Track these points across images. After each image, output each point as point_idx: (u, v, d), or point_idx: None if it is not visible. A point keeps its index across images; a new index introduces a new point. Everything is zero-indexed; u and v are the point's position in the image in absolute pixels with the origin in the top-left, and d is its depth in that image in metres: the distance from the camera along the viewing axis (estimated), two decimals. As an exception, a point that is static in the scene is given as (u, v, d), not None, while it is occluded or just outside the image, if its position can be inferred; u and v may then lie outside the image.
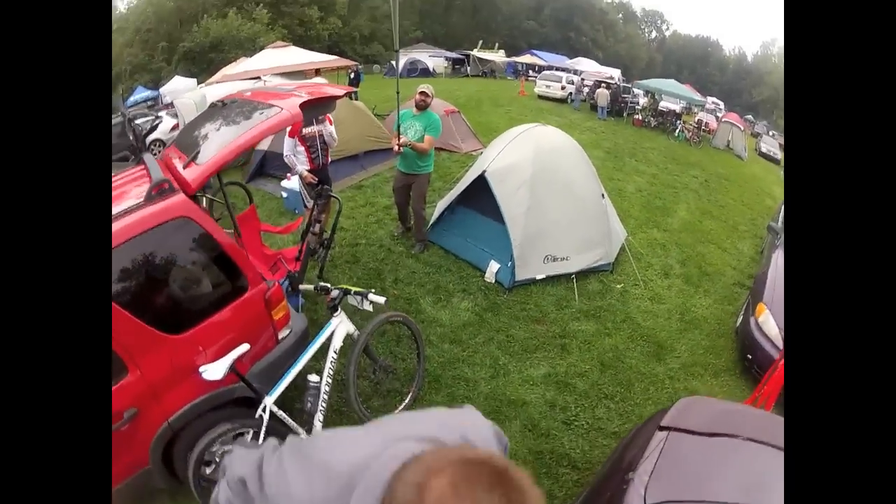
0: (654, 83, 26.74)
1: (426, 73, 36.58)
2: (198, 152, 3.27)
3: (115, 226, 2.53)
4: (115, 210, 2.65)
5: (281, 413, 3.06)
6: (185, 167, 3.17)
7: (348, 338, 3.52)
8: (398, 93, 5.98)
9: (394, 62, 36.53)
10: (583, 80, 29.30)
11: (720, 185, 14.01)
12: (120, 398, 2.55)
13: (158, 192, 2.74)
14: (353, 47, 46.45)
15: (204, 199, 4.68)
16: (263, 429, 2.93)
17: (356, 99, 14.31)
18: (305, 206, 5.97)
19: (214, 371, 2.70)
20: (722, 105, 43.51)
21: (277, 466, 1.26)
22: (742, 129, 25.88)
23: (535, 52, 49.38)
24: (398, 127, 5.94)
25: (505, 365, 4.67)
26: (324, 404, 3.24)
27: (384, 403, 4.03)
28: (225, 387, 2.96)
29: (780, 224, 7.32)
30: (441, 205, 6.94)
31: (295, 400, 3.51)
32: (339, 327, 3.44)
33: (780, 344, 4.50)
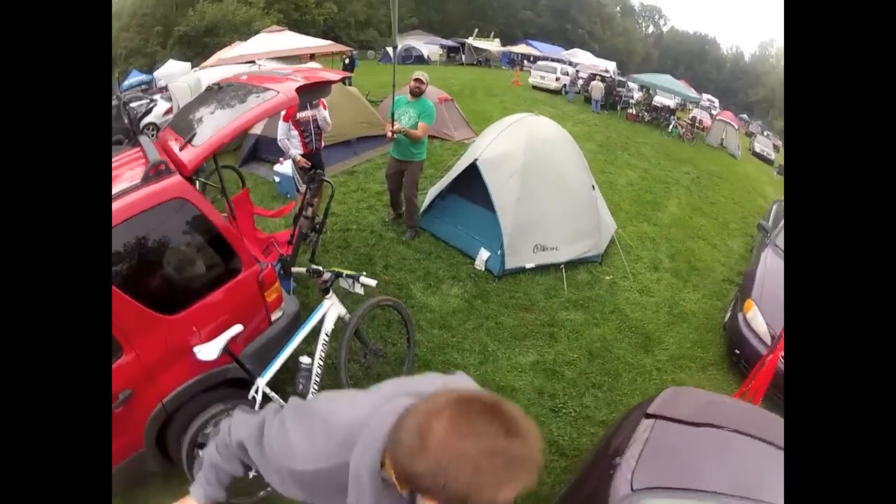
0: (649, 78, 26.73)
1: (421, 60, 36.36)
2: (194, 134, 3.25)
3: (113, 206, 2.51)
4: (113, 190, 2.64)
5: (273, 394, 3.09)
6: (181, 149, 3.17)
7: (340, 320, 3.55)
8: (394, 85, 5.97)
9: (388, 49, 36.48)
10: (578, 72, 29.35)
11: (712, 183, 14.08)
12: (114, 379, 2.54)
13: (155, 173, 2.73)
14: (348, 33, 46.05)
15: (197, 182, 4.68)
16: (256, 410, 2.95)
17: (350, 84, 14.25)
18: (298, 191, 5.99)
19: (208, 351, 2.71)
20: (717, 103, 43.69)
21: (280, 427, 1.29)
22: (736, 127, 26.02)
23: (530, 42, 49.16)
24: (392, 113, 5.94)
25: (494, 351, 4.72)
26: (315, 387, 3.27)
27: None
28: (218, 367, 2.97)
29: (770, 223, 7.40)
30: (432, 192, 6.97)
31: (287, 382, 3.54)
32: (331, 310, 3.47)
33: (768, 340, 4.58)
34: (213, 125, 3.33)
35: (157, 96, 15.13)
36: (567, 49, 47.38)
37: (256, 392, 3.03)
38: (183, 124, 3.72)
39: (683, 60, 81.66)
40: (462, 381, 1.38)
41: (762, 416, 2.99)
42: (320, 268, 3.55)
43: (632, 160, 13.77)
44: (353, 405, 1.28)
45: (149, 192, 2.67)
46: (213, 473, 1.47)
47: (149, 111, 13.34)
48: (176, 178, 2.79)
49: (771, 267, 5.60)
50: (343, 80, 6.46)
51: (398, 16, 5.00)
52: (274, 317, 3.41)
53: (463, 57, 42.80)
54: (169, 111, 13.01)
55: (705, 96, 41.76)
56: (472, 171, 6.00)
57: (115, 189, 2.67)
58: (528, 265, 5.96)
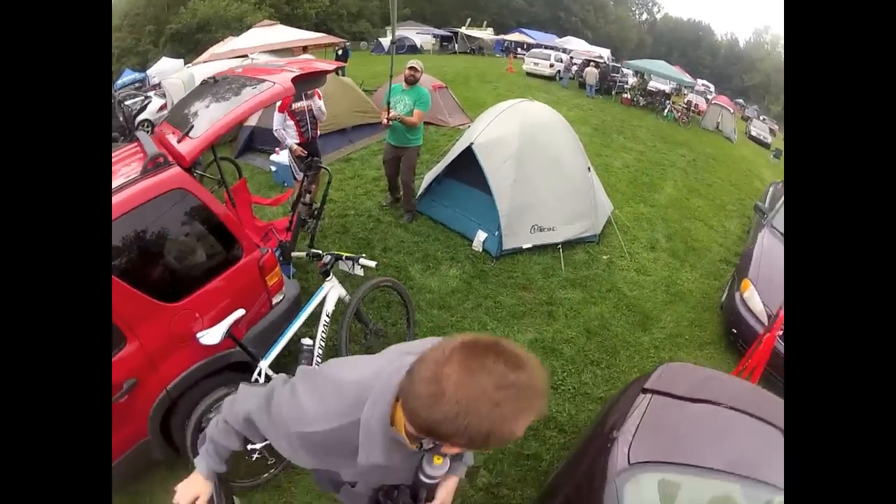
0: (643, 63, 26.76)
1: (414, 49, 36.19)
2: (191, 127, 3.27)
3: (114, 199, 2.54)
4: (113, 184, 2.66)
5: (276, 376, 3.13)
6: (179, 141, 3.19)
7: (340, 302, 3.60)
8: (391, 75, 5.99)
9: (381, 39, 36.23)
10: (571, 58, 29.23)
11: (708, 165, 14.09)
12: (119, 369, 2.57)
13: (154, 165, 2.76)
14: (340, 25, 45.92)
15: (195, 174, 4.70)
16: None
17: (344, 75, 14.24)
18: (295, 179, 6.01)
19: (212, 336, 2.74)
20: (712, 88, 43.56)
21: (290, 393, 1.32)
22: (732, 111, 26.00)
23: (523, 30, 48.99)
24: (388, 101, 5.97)
25: (493, 330, 4.77)
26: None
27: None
28: (221, 352, 3.01)
29: (767, 204, 7.43)
30: (429, 177, 7.01)
31: (289, 364, 3.58)
32: (331, 291, 3.52)
33: (765, 319, 4.60)
34: (210, 117, 3.35)
35: (151, 93, 15.11)
36: (560, 37, 47.30)
37: (259, 374, 3.09)
38: (179, 118, 3.74)
39: (677, 47, 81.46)
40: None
41: (759, 395, 2.99)
42: (319, 251, 3.58)
43: (627, 143, 13.78)
44: (361, 366, 1.33)
45: (148, 184, 2.69)
46: (212, 447, 1.52)
47: (143, 108, 13.35)
48: (175, 170, 2.82)
49: (768, 247, 5.63)
50: (337, 71, 6.47)
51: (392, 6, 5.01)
52: (275, 300, 3.45)
53: (456, 46, 42.65)
54: (163, 108, 13.00)
55: (700, 81, 41.58)
56: (468, 155, 6.03)
57: (116, 183, 2.69)
58: (526, 245, 6.01)
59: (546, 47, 33.79)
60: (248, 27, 21.80)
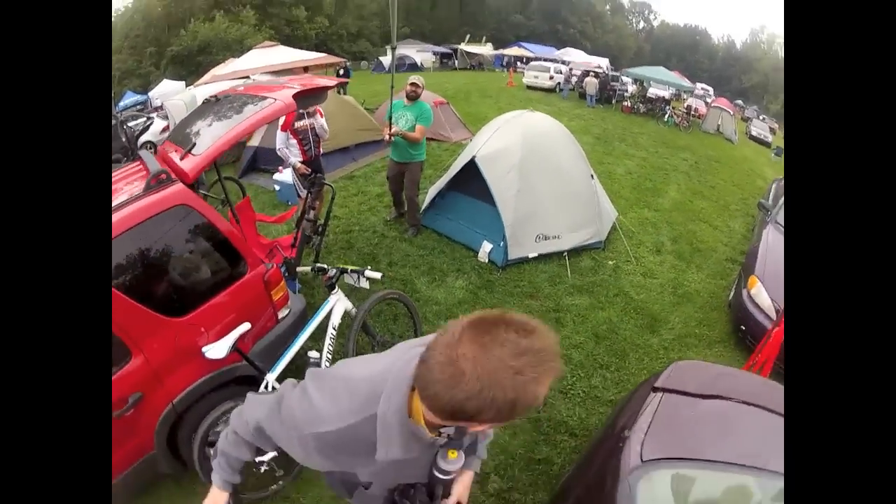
0: (642, 71, 26.82)
1: (414, 67, 36.49)
2: (194, 144, 3.30)
3: (117, 216, 2.56)
4: (115, 202, 2.69)
5: (283, 388, 3.13)
6: (181, 159, 3.22)
7: (346, 315, 3.59)
8: (392, 87, 6.04)
9: (381, 59, 36.52)
10: (571, 69, 29.43)
11: (710, 167, 14.08)
12: (125, 383, 2.57)
13: (157, 182, 2.79)
14: (340, 45, 46.50)
15: (198, 192, 4.74)
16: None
17: (345, 94, 14.35)
18: (299, 196, 6.04)
19: (217, 350, 2.74)
20: (711, 91, 43.68)
21: (301, 395, 1.31)
22: (732, 113, 26.03)
23: (522, 44, 49.44)
24: (390, 117, 6.01)
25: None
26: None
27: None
28: (227, 366, 3.01)
29: (770, 201, 7.42)
30: (432, 191, 7.02)
31: (296, 377, 3.58)
32: (337, 305, 3.51)
33: (773, 314, 4.60)
34: (213, 134, 3.37)
35: (153, 115, 15.21)
36: (559, 49, 47.65)
37: (266, 387, 3.09)
38: (182, 136, 3.77)
39: (675, 53, 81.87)
40: None
41: (771, 388, 2.94)
42: (325, 265, 3.60)
43: (629, 150, 13.81)
44: (371, 363, 1.33)
45: (152, 200, 2.72)
46: (224, 459, 1.51)
47: (146, 129, 13.32)
48: (178, 186, 2.84)
49: (773, 244, 5.62)
50: (338, 89, 6.53)
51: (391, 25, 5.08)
52: (281, 314, 3.46)
53: (456, 62, 43.06)
54: (166, 129, 12.96)
55: (699, 85, 41.80)
56: (471, 167, 6.05)
57: (119, 200, 2.71)
58: (531, 254, 6.01)
59: (545, 60, 34.06)
60: (249, 49, 22.02)
